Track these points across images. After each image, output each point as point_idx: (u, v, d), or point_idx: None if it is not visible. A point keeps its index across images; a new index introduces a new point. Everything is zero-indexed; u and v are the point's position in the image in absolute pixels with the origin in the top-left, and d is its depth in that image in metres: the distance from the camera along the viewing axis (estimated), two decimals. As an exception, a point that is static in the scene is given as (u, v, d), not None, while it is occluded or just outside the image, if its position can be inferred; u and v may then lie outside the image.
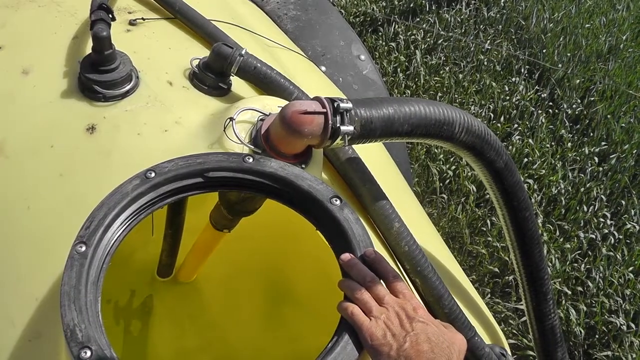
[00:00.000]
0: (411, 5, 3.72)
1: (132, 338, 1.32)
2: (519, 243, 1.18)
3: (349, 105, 0.92)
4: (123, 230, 0.79)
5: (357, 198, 1.11)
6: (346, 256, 0.79)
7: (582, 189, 2.78)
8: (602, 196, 2.75)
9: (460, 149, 1.05)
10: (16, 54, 1.13)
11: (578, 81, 3.32)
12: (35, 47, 1.16)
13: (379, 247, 1.03)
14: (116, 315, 1.31)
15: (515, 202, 1.13)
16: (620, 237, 2.60)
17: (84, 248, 0.74)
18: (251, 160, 0.87)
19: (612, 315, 2.31)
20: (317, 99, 0.94)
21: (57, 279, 0.87)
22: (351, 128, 0.92)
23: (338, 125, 0.91)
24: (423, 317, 0.74)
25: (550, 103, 3.26)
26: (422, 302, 0.83)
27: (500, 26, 3.67)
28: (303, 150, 0.97)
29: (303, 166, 0.96)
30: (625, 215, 2.70)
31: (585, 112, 3.20)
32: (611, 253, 2.53)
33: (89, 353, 0.66)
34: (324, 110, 0.91)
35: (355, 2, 3.73)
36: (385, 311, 0.74)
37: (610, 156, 2.95)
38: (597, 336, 2.30)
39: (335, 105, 0.91)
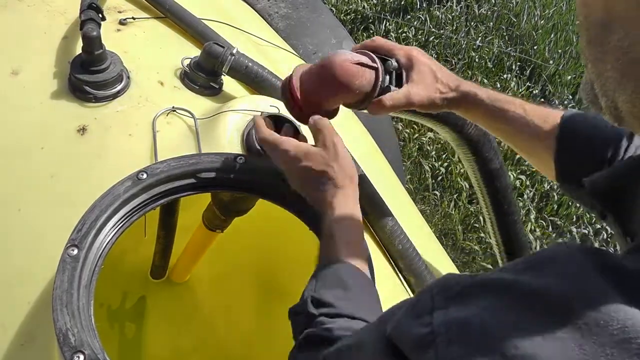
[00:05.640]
0: (402, 2, 3.72)
1: (127, 340, 1.32)
2: (506, 247, 1.19)
3: (396, 64, 0.86)
4: (115, 233, 0.79)
5: (350, 197, 1.10)
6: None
7: (574, 185, 2.78)
8: (594, 192, 2.76)
9: (463, 144, 1.04)
10: (5, 55, 1.12)
11: (569, 77, 3.33)
12: (24, 47, 1.14)
13: (372, 246, 1.03)
14: (110, 318, 1.30)
15: (506, 206, 1.13)
16: (612, 231, 2.62)
17: (75, 251, 0.73)
18: (243, 160, 0.87)
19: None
20: (363, 52, 0.86)
21: (49, 283, 0.86)
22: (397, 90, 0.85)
23: (387, 84, 0.84)
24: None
25: (542, 99, 3.27)
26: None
27: (491, 23, 3.67)
28: None
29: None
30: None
31: (577, 108, 3.21)
32: (604, 248, 2.54)
33: (82, 357, 0.65)
34: (375, 65, 0.84)
35: (346, 0, 3.72)
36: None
37: (602, 152, 2.96)
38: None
39: (386, 65, 0.85)
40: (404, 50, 0.87)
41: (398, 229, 1.06)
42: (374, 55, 0.85)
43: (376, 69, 0.83)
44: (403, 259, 1.05)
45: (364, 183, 1.08)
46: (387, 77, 0.84)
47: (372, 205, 1.06)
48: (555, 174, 0.83)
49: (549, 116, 0.85)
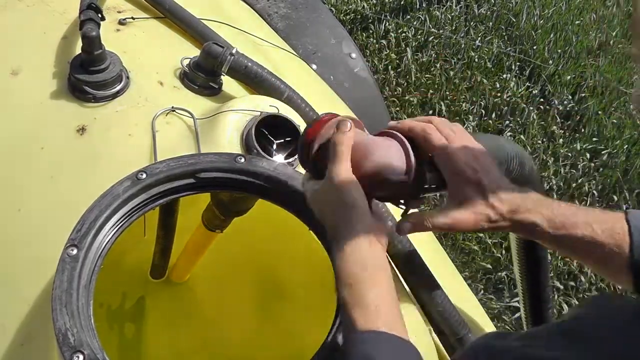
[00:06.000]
0: (401, 2, 3.71)
1: (126, 340, 1.32)
2: (528, 265, 1.22)
3: (431, 178, 0.76)
4: (115, 233, 0.79)
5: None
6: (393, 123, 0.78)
7: (574, 185, 2.78)
8: (594, 191, 2.76)
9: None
10: (5, 55, 1.12)
11: (569, 77, 3.33)
12: (24, 47, 1.14)
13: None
14: (109, 318, 1.30)
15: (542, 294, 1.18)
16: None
17: (75, 251, 0.73)
18: (243, 160, 0.87)
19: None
20: (404, 146, 0.75)
21: (48, 283, 0.86)
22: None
23: (407, 193, 0.77)
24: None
25: (542, 99, 3.27)
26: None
27: (490, 23, 3.67)
28: (292, 149, 0.96)
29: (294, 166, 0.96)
30: (617, 210, 2.71)
31: (576, 108, 3.20)
32: None
33: (81, 357, 0.66)
34: (405, 178, 0.74)
35: (346, 0, 3.72)
36: None
37: (602, 152, 2.96)
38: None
39: (422, 172, 0.75)
40: (451, 164, 0.74)
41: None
42: (412, 159, 0.74)
43: (405, 182, 0.74)
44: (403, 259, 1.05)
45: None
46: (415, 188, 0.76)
47: (372, 206, 1.06)
48: (633, 288, 0.73)
49: (619, 229, 0.77)
